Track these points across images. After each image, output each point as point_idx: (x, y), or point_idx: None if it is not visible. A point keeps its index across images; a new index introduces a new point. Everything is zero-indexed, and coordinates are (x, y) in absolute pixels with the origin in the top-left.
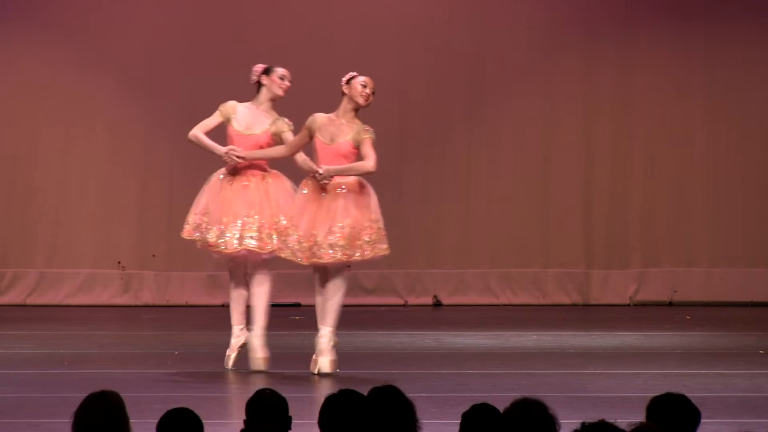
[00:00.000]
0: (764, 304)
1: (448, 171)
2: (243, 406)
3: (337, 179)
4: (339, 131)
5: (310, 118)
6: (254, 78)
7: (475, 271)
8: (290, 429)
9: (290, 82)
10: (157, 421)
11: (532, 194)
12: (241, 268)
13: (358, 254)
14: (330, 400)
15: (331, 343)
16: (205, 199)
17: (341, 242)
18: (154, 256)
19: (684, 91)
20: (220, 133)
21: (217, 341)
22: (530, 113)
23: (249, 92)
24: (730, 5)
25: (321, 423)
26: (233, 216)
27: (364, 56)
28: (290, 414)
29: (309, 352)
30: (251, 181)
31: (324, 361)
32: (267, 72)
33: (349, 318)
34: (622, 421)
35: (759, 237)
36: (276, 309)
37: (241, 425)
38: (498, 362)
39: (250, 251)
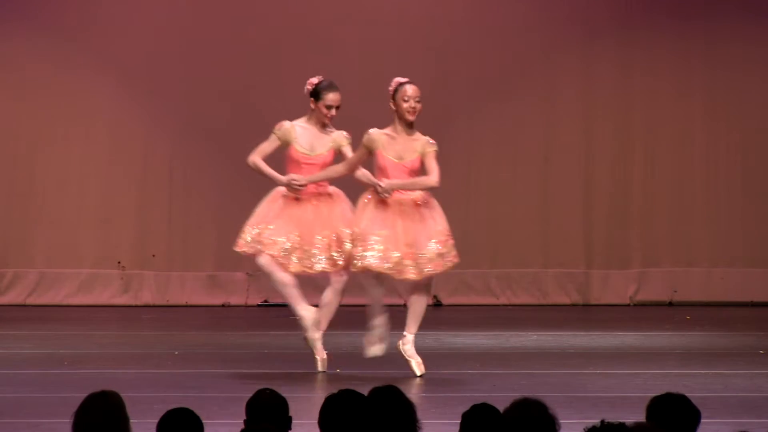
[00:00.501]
0: (764, 304)
1: (448, 171)
2: (243, 406)
3: (410, 193)
4: (406, 149)
5: (370, 138)
6: (306, 92)
7: (475, 271)
8: (290, 429)
9: (339, 106)
10: (157, 421)
11: (532, 194)
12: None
13: (449, 262)
14: (330, 400)
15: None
16: (267, 211)
17: (443, 250)
18: (154, 256)
19: (684, 91)
20: (277, 155)
21: (217, 341)
22: (530, 113)
23: (248, 92)
24: (730, 5)
25: (321, 423)
26: (304, 234)
27: (363, 56)
28: (290, 414)
29: (307, 351)
30: (319, 200)
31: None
32: (316, 97)
33: (348, 318)
34: (622, 422)
35: (759, 237)
36: (276, 309)
37: (241, 425)
38: (498, 362)
39: (322, 272)
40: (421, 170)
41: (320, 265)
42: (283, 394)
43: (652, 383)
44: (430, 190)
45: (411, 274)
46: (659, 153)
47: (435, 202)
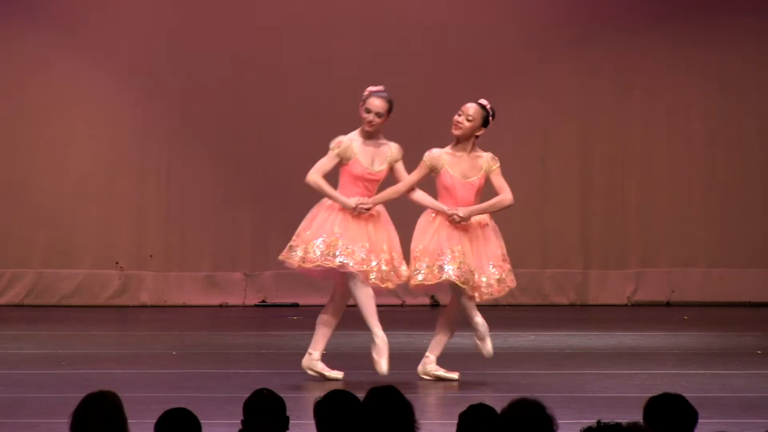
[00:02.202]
0: (762, 305)
1: None
2: (241, 407)
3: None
4: (471, 167)
5: (432, 157)
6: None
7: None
8: (288, 429)
9: (378, 114)
10: (155, 421)
11: (530, 195)
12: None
13: (505, 288)
14: (319, 405)
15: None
16: (323, 222)
17: (501, 275)
18: (151, 256)
19: (681, 92)
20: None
21: (215, 341)
22: (527, 115)
23: (246, 93)
24: (728, 7)
25: (317, 426)
26: (372, 245)
27: (359, 59)
28: (288, 414)
29: (303, 352)
30: (374, 215)
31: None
32: (364, 101)
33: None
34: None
35: (756, 237)
36: (273, 309)
37: (239, 425)
38: (496, 362)
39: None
40: (488, 188)
41: (392, 282)
42: (281, 394)
43: (650, 383)
44: (507, 209)
45: (477, 296)
46: (657, 153)
47: (495, 225)
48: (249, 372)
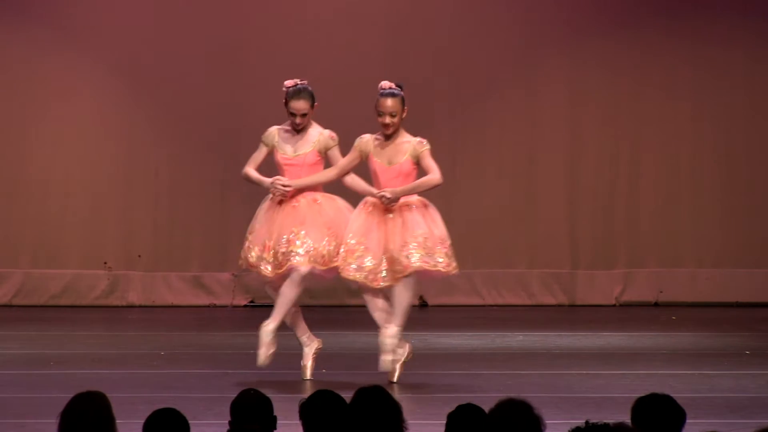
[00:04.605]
0: (750, 305)
1: None
2: (228, 407)
3: (402, 199)
4: (396, 151)
5: (361, 141)
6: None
7: (461, 272)
8: (275, 429)
9: (304, 115)
10: (143, 421)
11: (517, 195)
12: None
13: (440, 265)
14: (304, 406)
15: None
16: (254, 221)
17: (420, 251)
18: (140, 256)
19: (670, 91)
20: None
21: (203, 342)
22: (515, 113)
23: (235, 92)
24: (717, 4)
25: (303, 427)
26: (278, 234)
27: (349, 56)
28: (275, 414)
29: (296, 352)
30: (300, 202)
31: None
32: (285, 103)
33: (335, 319)
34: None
35: (744, 237)
36: (262, 310)
37: (227, 426)
38: (484, 363)
39: (293, 267)
40: (416, 173)
41: (299, 258)
42: (268, 395)
43: (638, 384)
44: (435, 188)
45: (384, 282)
46: (645, 153)
47: (434, 207)
48: (237, 372)
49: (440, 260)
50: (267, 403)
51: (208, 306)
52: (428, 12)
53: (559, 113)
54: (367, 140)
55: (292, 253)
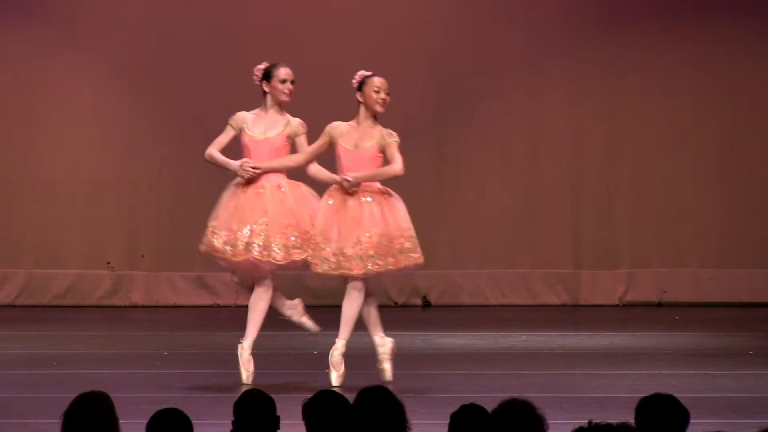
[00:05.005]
0: (753, 305)
1: (437, 172)
2: (231, 407)
3: (362, 186)
4: (362, 137)
5: (330, 127)
6: (256, 82)
7: (465, 272)
8: (278, 429)
9: (293, 82)
10: (146, 421)
11: (521, 195)
12: (248, 279)
13: (391, 264)
14: (307, 406)
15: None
16: (218, 206)
17: (370, 252)
18: (143, 256)
19: (673, 92)
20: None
21: (206, 342)
22: (519, 114)
23: (242, 89)
24: (718, 4)
25: (306, 427)
26: (242, 222)
27: (351, 55)
28: (278, 414)
29: (293, 352)
30: (266, 188)
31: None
32: (267, 77)
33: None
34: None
35: (747, 237)
36: (270, 310)
37: (230, 426)
38: (487, 363)
39: (257, 260)
40: (381, 161)
41: (256, 249)
42: (271, 395)
43: (641, 384)
44: (395, 179)
45: (345, 270)
46: (648, 153)
47: (397, 197)
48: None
49: (390, 259)
50: (270, 403)
51: (211, 306)
52: (428, 12)
53: (561, 113)
54: (337, 125)
55: (253, 245)
